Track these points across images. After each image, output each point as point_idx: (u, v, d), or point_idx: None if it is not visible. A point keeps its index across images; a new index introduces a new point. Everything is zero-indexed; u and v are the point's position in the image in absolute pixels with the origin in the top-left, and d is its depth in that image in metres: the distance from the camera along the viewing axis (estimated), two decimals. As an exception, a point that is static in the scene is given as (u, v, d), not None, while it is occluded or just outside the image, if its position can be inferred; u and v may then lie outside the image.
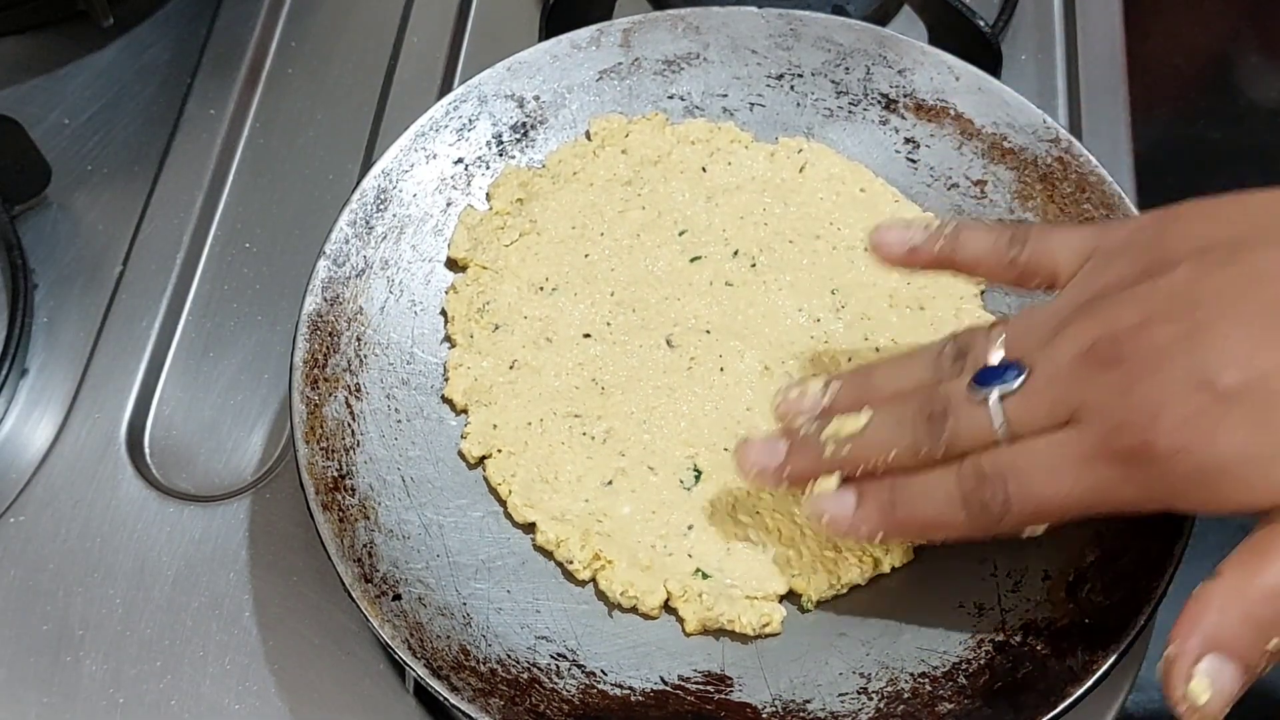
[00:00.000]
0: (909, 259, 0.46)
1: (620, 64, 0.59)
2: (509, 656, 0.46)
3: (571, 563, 0.48)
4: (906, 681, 0.45)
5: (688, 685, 0.46)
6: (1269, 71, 0.72)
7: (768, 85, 0.59)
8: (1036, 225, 0.45)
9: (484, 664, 0.45)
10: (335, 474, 0.48)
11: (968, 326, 0.46)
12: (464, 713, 0.43)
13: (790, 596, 0.48)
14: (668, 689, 0.46)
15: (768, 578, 0.47)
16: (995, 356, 0.42)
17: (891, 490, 0.43)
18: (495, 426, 0.51)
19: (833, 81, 0.59)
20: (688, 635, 0.47)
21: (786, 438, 0.45)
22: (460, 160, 0.57)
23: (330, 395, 0.50)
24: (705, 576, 0.47)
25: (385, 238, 0.54)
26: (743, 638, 0.47)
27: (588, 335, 0.53)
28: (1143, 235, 0.42)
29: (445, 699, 0.43)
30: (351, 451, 0.49)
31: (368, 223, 0.54)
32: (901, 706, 0.45)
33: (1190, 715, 0.37)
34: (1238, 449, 0.37)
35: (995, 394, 0.41)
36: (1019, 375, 0.41)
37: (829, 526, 0.43)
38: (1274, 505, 0.37)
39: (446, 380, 0.52)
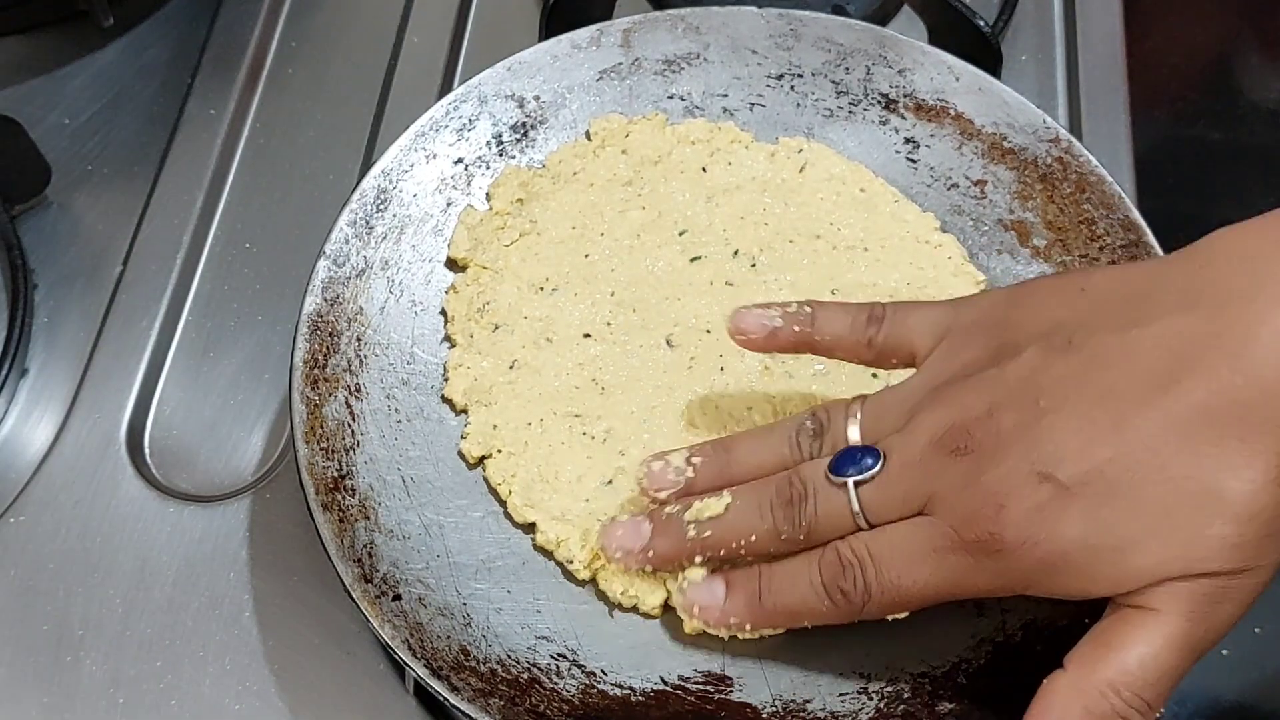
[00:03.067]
0: (769, 342, 0.47)
1: (620, 64, 0.59)
2: (509, 656, 0.46)
3: (572, 562, 0.48)
4: (906, 681, 0.45)
5: (688, 685, 0.46)
6: (1269, 71, 0.72)
7: (768, 85, 0.59)
8: (893, 304, 0.46)
9: (484, 664, 0.45)
10: (335, 474, 0.48)
11: (827, 401, 0.46)
12: (464, 713, 0.43)
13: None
14: (668, 689, 0.46)
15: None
16: (853, 435, 0.43)
17: (758, 580, 0.43)
18: (495, 426, 0.51)
19: (833, 81, 0.59)
20: (688, 635, 0.47)
21: (650, 520, 0.45)
22: (460, 160, 0.57)
23: (330, 395, 0.50)
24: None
25: (385, 238, 0.54)
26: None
27: (588, 335, 0.53)
28: (993, 315, 0.43)
29: (445, 699, 0.43)
30: (351, 451, 0.49)
31: (368, 223, 0.54)
32: (901, 706, 0.45)
33: None
34: (1079, 541, 0.37)
35: (851, 481, 0.42)
36: (874, 464, 0.41)
37: (701, 617, 0.44)
38: (1115, 594, 0.38)
39: (446, 380, 0.52)
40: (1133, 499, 0.36)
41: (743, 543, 0.43)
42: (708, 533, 0.44)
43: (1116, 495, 0.37)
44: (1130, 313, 0.39)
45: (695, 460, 0.46)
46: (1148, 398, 0.37)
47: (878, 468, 0.41)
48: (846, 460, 0.42)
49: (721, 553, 0.44)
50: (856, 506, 0.42)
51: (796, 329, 0.46)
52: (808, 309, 0.46)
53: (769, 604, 0.43)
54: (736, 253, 0.55)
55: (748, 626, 0.44)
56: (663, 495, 0.46)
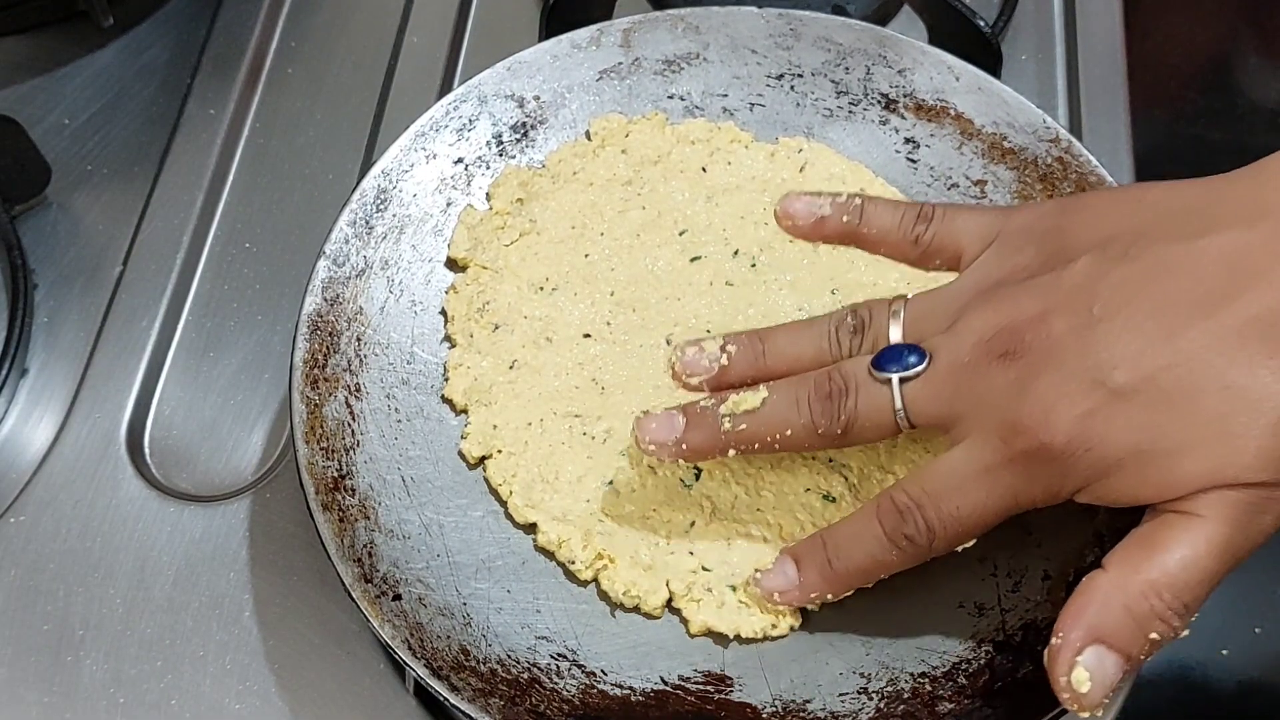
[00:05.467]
0: (815, 230, 0.47)
1: (620, 64, 0.59)
2: (509, 656, 0.46)
3: (574, 563, 0.48)
4: (906, 681, 0.45)
5: (688, 685, 0.46)
6: (1269, 71, 0.72)
7: (768, 85, 0.59)
8: (942, 205, 0.46)
9: (484, 664, 0.45)
10: (335, 474, 0.48)
11: (867, 299, 0.46)
12: (464, 713, 0.43)
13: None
14: (668, 689, 0.46)
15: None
16: (895, 334, 0.43)
17: (824, 549, 0.44)
18: (495, 426, 0.51)
19: (833, 81, 0.59)
20: (691, 636, 0.47)
21: (684, 413, 0.45)
22: (460, 160, 0.57)
23: (330, 395, 0.50)
24: (707, 570, 0.47)
25: (385, 238, 0.54)
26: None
27: (588, 335, 0.53)
28: (1046, 222, 0.43)
29: (445, 699, 0.43)
30: (351, 451, 0.49)
31: (368, 223, 0.54)
32: (901, 706, 0.45)
33: (1072, 703, 0.38)
34: (1130, 446, 0.37)
35: (896, 377, 0.41)
36: (920, 361, 0.41)
37: (783, 601, 0.45)
38: (1162, 499, 0.38)
39: (446, 380, 0.52)
40: (1185, 406, 0.37)
41: (778, 437, 0.43)
42: (743, 426, 0.43)
43: (1169, 402, 0.37)
44: (1190, 225, 0.39)
45: (730, 348, 0.45)
46: (1206, 309, 0.37)
47: (923, 365, 0.41)
48: (891, 357, 0.42)
49: (756, 446, 0.44)
50: (900, 404, 0.41)
51: (845, 219, 0.46)
52: (858, 200, 0.46)
53: (841, 568, 0.43)
54: (736, 253, 0.55)
55: (830, 596, 0.44)
56: (694, 381, 0.46)
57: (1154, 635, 0.38)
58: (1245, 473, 0.36)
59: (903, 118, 0.58)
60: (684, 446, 0.44)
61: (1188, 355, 0.37)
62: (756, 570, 0.45)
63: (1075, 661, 0.38)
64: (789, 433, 0.43)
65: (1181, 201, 0.40)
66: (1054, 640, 0.38)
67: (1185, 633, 0.38)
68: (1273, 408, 0.36)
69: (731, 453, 0.44)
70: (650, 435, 0.45)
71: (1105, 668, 0.38)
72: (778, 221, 0.47)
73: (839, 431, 0.43)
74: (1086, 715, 0.38)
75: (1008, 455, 0.39)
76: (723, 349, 0.46)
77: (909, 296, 0.44)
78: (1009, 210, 0.45)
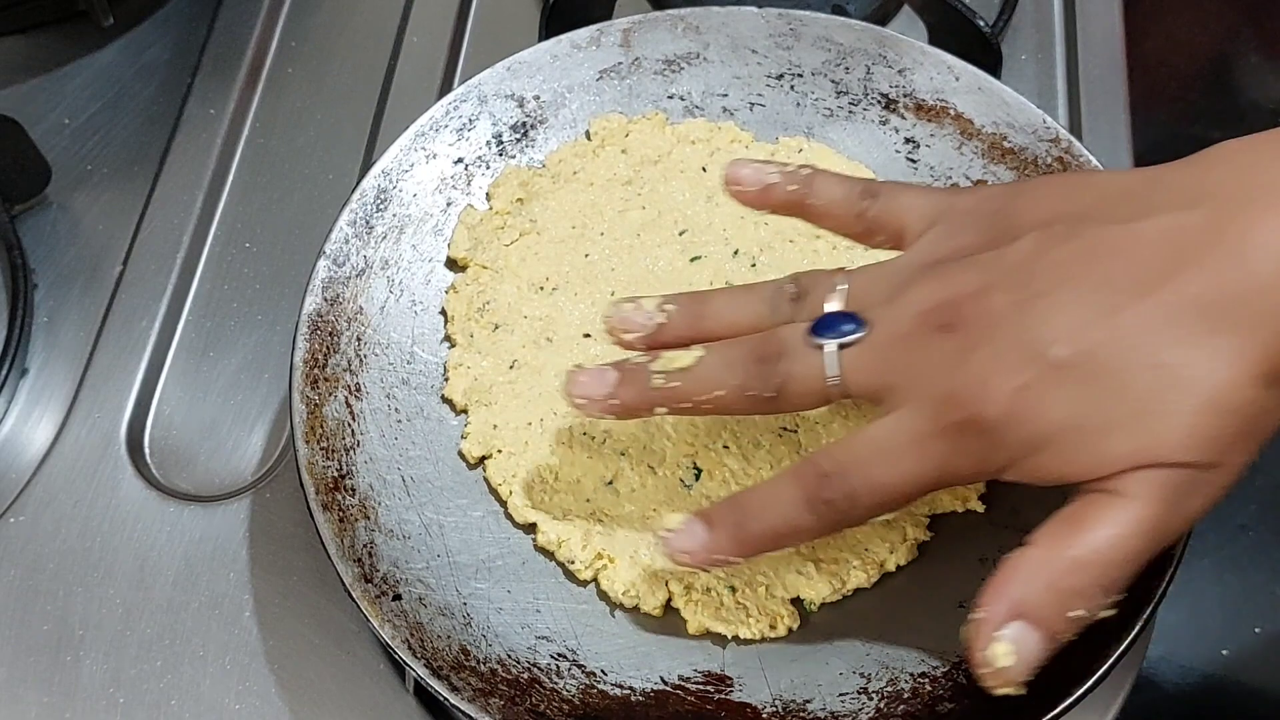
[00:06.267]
0: (761, 197, 0.46)
1: (620, 64, 0.59)
2: (509, 656, 0.46)
3: (573, 563, 0.48)
4: (907, 681, 0.45)
5: (688, 685, 0.46)
6: (1269, 71, 0.72)
7: (768, 85, 0.59)
8: (890, 183, 0.46)
9: (484, 664, 0.45)
10: (335, 474, 0.48)
11: (810, 269, 0.46)
12: (464, 713, 0.43)
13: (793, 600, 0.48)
14: (668, 689, 0.46)
15: (771, 575, 0.47)
16: (834, 303, 0.43)
17: (736, 509, 0.42)
18: (495, 426, 0.51)
19: (833, 81, 0.59)
20: (691, 635, 0.47)
21: (617, 369, 0.44)
22: (460, 160, 0.57)
23: (330, 395, 0.50)
24: (706, 570, 0.47)
25: (385, 238, 0.54)
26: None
27: (588, 335, 0.53)
28: (991, 204, 0.43)
29: (445, 699, 0.43)
30: (351, 451, 0.49)
31: (368, 223, 0.54)
32: (902, 706, 0.45)
33: (990, 678, 0.37)
34: (1063, 421, 0.37)
35: (834, 344, 0.41)
36: (858, 329, 0.41)
37: (691, 563, 0.43)
38: (1091, 478, 0.38)
39: (446, 380, 0.52)
40: (1120, 383, 0.37)
41: (709, 397, 0.43)
42: (675, 384, 0.43)
43: (1104, 379, 0.37)
44: (1132, 207, 0.39)
45: (668, 307, 0.45)
46: (1144, 287, 0.37)
47: (861, 334, 0.41)
48: (828, 324, 0.42)
49: (686, 406, 0.43)
50: (834, 370, 0.41)
51: (791, 188, 0.46)
52: (806, 171, 0.46)
53: (753, 529, 0.42)
54: (736, 252, 0.55)
55: (738, 559, 0.43)
56: (629, 338, 0.45)
57: (1076, 613, 0.37)
58: (1173, 453, 0.36)
59: (903, 118, 0.58)
60: (613, 402, 0.44)
61: (1125, 332, 0.37)
62: (664, 530, 0.44)
63: (996, 636, 0.37)
64: (720, 393, 0.43)
65: (1125, 186, 0.40)
66: (975, 614, 0.38)
67: (1110, 612, 0.38)
68: (1203, 388, 0.36)
69: (661, 411, 0.44)
70: (580, 389, 0.44)
71: (1026, 644, 0.37)
72: (725, 187, 0.47)
73: (770, 395, 0.42)
74: (1005, 691, 0.38)
75: (940, 426, 0.39)
76: (660, 307, 0.45)
77: (850, 269, 0.44)
78: (956, 191, 0.45)
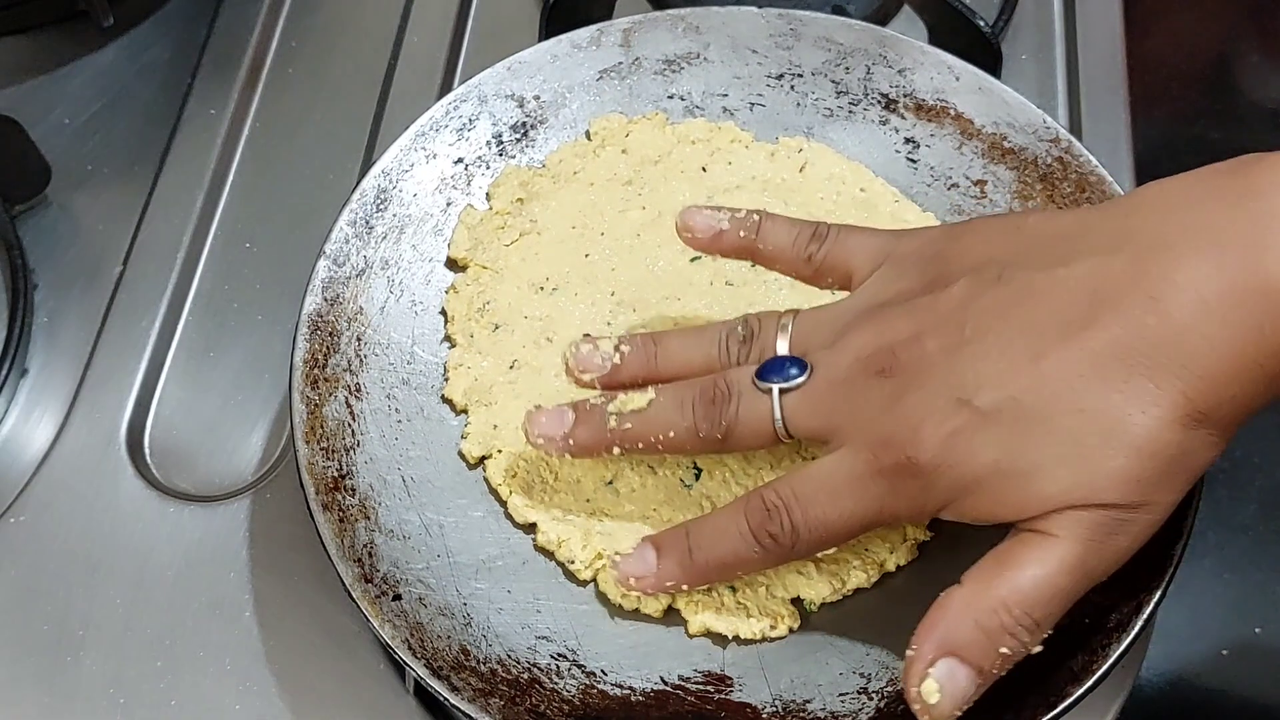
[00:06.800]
0: (713, 243, 0.48)
1: (620, 64, 0.59)
2: (509, 656, 0.46)
3: (573, 563, 0.48)
4: (907, 681, 0.45)
5: (688, 685, 0.46)
6: (1269, 71, 0.72)
7: (768, 85, 0.59)
8: (838, 225, 0.47)
9: (484, 664, 0.45)
10: (335, 474, 0.48)
11: (760, 311, 0.47)
12: (464, 713, 0.43)
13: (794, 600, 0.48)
14: (668, 689, 0.46)
15: (771, 575, 0.47)
16: (782, 346, 0.44)
17: (687, 538, 0.44)
18: (495, 426, 0.51)
19: (833, 81, 0.59)
20: (691, 635, 0.47)
21: (574, 410, 0.46)
22: (460, 160, 0.57)
23: (330, 395, 0.50)
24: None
25: (385, 238, 0.54)
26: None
27: (588, 335, 0.53)
28: (932, 247, 0.44)
29: (445, 699, 0.43)
30: (351, 451, 0.49)
31: (368, 223, 0.54)
32: (902, 706, 0.44)
33: (923, 714, 0.39)
34: (991, 465, 0.38)
35: (777, 388, 0.43)
36: (801, 373, 0.43)
37: (638, 587, 0.45)
38: (1020, 518, 0.39)
39: (447, 380, 0.52)
40: (1044, 428, 0.38)
41: (662, 438, 0.44)
42: (628, 425, 0.45)
43: (1029, 423, 0.38)
44: (1058, 251, 0.40)
45: (624, 348, 0.47)
46: (1067, 333, 0.38)
47: (804, 378, 0.42)
48: (774, 368, 0.43)
49: (640, 446, 0.45)
50: (778, 414, 0.43)
51: (741, 234, 0.47)
52: (755, 217, 0.48)
53: (700, 559, 0.44)
54: (737, 252, 0.55)
55: (685, 586, 0.45)
56: (586, 378, 0.47)
57: (1005, 650, 0.38)
58: (1098, 494, 0.37)
59: (903, 118, 0.58)
60: (570, 442, 0.45)
61: (1048, 377, 0.38)
62: (616, 553, 0.46)
63: (927, 673, 0.38)
64: (672, 434, 0.44)
65: (1056, 229, 0.41)
66: (908, 651, 0.39)
67: (1038, 649, 0.39)
68: (1124, 431, 0.37)
69: (616, 451, 0.45)
70: (539, 429, 0.46)
71: (956, 680, 0.38)
72: (678, 233, 0.48)
73: (719, 436, 0.44)
74: None
75: (877, 468, 0.40)
76: (616, 348, 0.47)
77: (800, 310, 0.46)
78: (900, 234, 0.46)
